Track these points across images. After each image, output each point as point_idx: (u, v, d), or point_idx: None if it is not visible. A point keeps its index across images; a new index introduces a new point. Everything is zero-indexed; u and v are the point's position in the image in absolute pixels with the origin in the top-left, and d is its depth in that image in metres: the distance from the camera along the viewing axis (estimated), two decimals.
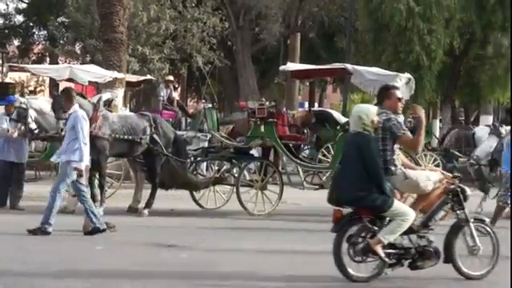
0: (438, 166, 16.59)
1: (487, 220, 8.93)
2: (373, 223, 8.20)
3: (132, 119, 13.93)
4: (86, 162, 11.17)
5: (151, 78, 21.99)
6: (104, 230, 11.17)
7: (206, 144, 17.19)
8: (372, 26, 25.90)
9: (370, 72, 14.49)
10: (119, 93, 17.69)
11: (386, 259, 8.19)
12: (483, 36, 26.74)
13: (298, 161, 14.64)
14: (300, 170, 14.65)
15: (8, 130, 13.92)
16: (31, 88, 36.67)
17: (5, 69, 23.66)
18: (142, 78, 21.24)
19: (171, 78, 21.95)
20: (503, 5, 25.11)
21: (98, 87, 17.81)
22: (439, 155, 19.51)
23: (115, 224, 11.56)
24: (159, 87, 21.01)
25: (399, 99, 8.85)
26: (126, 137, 13.45)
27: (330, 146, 14.91)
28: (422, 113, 8.69)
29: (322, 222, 13.49)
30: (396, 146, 8.60)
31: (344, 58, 23.37)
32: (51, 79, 26.93)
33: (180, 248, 10.28)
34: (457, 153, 19.08)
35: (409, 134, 8.72)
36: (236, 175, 14.48)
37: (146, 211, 13.60)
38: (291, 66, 16.37)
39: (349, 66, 15.00)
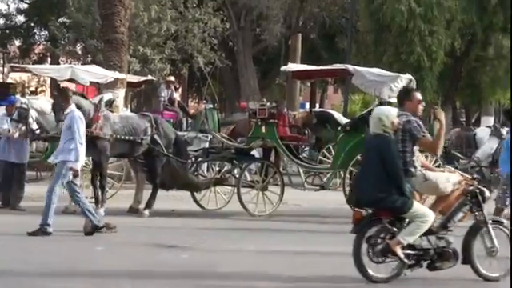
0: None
1: (506, 222, 8.97)
2: (392, 224, 8.28)
3: (133, 120, 13.93)
4: (82, 162, 11.17)
5: (152, 78, 21.99)
6: (103, 227, 11.18)
7: (206, 145, 17.19)
8: (373, 27, 25.92)
9: (371, 73, 14.47)
10: (120, 93, 17.68)
11: (406, 260, 8.26)
12: (484, 37, 26.76)
13: (299, 161, 14.64)
14: (301, 170, 14.64)
15: (9, 131, 13.92)
16: (32, 88, 36.64)
17: (6, 69, 23.65)
18: (143, 78, 21.24)
19: (172, 78, 21.96)
20: (504, 6, 25.12)
21: (100, 88, 17.80)
22: (440, 156, 19.48)
23: (116, 224, 11.57)
24: (160, 88, 21.02)
25: (420, 101, 8.96)
26: (127, 137, 13.45)
27: (330, 147, 14.91)
28: (442, 116, 8.80)
29: (323, 223, 13.58)
30: (415, 148, 8.69)
31: (345, 59, 23.38)
32: (52, 79, 26.91)
33: (181, 249, 10.28)
34: (458, 154, 19.06)
35: (428, 136, 8.84)
36: (237, 176, 14.48)
37: (146, 212, 13.60)
38: (292, 67, 16.35)
39: (350, 67, 14.98)
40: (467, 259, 8.47)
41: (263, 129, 14.32)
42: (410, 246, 8.28)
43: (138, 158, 14.12)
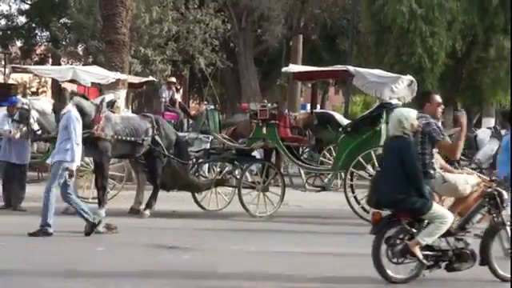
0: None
1: None
2: (411, 225, 8.35)
3: (134, 120, 13.94)
4: (78, 162, 11.17)
5: (153, 79, 22.00)
6: (99, 223, 11.20)
7: (207, 145, 17.19)
8: (374, 28, 25.90)
9: (372, 74, 14.46)
10: (121, 94, 17.68)
11: (424, 261, 8.33)
12: (485, 38, 26.73)
13: (300, 163, 14.64)
14: (302, 171, 14.65)
15: (10, 131, 13.93)
16: (33, 89, 36.68)
17: (8, 70, 23.66)
18: (144, 79, 21.24)
19: (173, 79, 21.96)
20: (505, 7, 25.10)
21: (101, 89, 17.82)
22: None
23: (117, 225, 11.58)
24: (161, 89, 21.03)
25: (439, 104, 9.11)
26: (128, 138, 13.46)
27: (331, 148, 14.91)
28: (464, 119, 8.96)
29: (324, 224, 13.59)
30: (434, 150, 8.79)
31: (346, 60, 23.40)
32: (53, 80, 26.94)
33: (182, 249, 10.29)
34: None
35: (448, 139, 8.96)
36: (238, 177, 14.48)
37: (147, 212, 13.61)
38: (293, 68, 16.36)
39: (351, 68, 14.98)
40: (485, 260, 8.52)
41: (264, 130, 14.32)
42: (429, 247, 8.37)
43: (139, 159, 14.13)
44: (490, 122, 29.57)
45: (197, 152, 15.83)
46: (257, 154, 15.93)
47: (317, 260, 9.75)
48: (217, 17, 28.67)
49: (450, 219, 8.33)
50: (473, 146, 18.73)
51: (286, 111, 16.98)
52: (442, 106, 9.26)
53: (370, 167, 13.70)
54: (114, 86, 17.31)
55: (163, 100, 20.21)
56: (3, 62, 39.00)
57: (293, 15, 32.95)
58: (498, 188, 8.70)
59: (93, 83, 17.01)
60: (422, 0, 24.65)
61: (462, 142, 8.96)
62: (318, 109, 35.49)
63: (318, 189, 14.79)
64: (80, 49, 32.61)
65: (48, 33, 37.11)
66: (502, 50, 27.15)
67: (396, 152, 8.30)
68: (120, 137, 13.37)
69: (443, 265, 8.50)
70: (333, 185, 14.66)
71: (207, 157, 15.34)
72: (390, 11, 24.46)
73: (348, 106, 27.40)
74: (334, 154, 14.60)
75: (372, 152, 13.62)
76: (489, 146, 14.98)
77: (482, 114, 33.83)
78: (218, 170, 15.15)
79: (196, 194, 14.52)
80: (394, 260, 8.28)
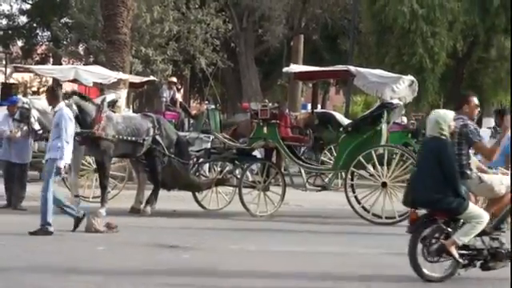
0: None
1: None
2: (447, 225, 8.43)
3: (136, 120, 13.95)
4: (68, 160, 11.13)
5: (154, 79, 21.98)
6: (84, 217, 11.21)
7: (208, 145, 17.20)
8: (375, 29, 25.94)
9: (373, 74, 14.46)
10: (122, 94, 17.67)
11: (460, 260, 8.40)
12: (486, 39, 26.76)
13: (301, 162, 14.64)
14: (302, 171, 14.66)
15: (11, 131, 13.93)
16: (34, 88, 36.70)
17: (9, 69, 23.69)
18: (145, 79, 21.22)
19: (174, 79, 21.98)
20: (506, 8, 25.12)
21: (102, 88, 17.82)
22: None
23: (117, 224, 11.58)
24: (162, 88, 21.04)
25: (477, 106, 9.34)
26: (129, 138, 13.47)
27: (332, 148, 14.91)
28: (508, 123, 9.24)
29: (325, 223, 13.59)
30: (471, 151, 8.96)
31: (347, 60, 23.41)
32: (54, 80, 26.97)
33: (182, 249, 10.28)
34: None
35: (484, 141, 9.21)
36: (238, 176, 14.48)
37: (148, 208, 13.63)
38: (294, 68, 16.35)
39: (352, 68, 14.98)
40: None
41: (265, 129, 14.32)
42: (465, 246, 8.45)
43: (140, 159, 14.14)
44: (491, 121, 29.48)
45: (197, 151, 15.83)
46: (257, 153, 15.93)
47: (317, 259, 9.75)
48: (218, 17, 28.69)
49: (485, 219, 8.41)
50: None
51: (287, 111, 17.00)
52: (479, 108, 9.43)
53: (370, 167, 13.71)
54: (115, 85, 17.30)
55: (164, 100, 20.22)
56: (4, 62, 39.03)
57: (294, 15, 32.98)
58: None
59: (94, 83, 17.02)
60: (423, 0, 24.69)
61: (500, 146, 9.19)
62: (319, 109, 35.46)
63: (319, 188, 14.78)
64: (81, 48, 32.64)
65: (49, 32, 37.16)
66: (502, 51, 27.18)
67: (434, 153, 8.39)
68: (121, 136, 13.38)
69: (478, 264, 8.58)
70: (333, 184, 14.66)
71: (208, 156, 15.34)
72: (391, 11, 24.50)
73: (349, 106, 27.43)
74: (335, 154, 14.58)
75: (373, 152, 13.62)
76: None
77: (482, 114, 33.77)
78: (219, 169, 15.15)
79: (197, 194, 14.52)
80: (430, 259, 8.37)
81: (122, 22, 18.65)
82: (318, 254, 10.12)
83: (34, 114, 13.92)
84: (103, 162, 13.36)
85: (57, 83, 17.17)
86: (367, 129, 13.92)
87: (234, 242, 10.95)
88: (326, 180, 14.95)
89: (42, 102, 14.82)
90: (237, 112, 28.08)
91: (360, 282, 8.46)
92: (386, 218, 13.34)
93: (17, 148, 14.02)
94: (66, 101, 12.28)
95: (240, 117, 21.58)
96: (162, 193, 14.10)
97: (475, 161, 9.17)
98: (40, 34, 39.39)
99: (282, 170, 15.05)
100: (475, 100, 9.34)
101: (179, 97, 21.45)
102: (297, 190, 14.79)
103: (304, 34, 33.85)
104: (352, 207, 13.63)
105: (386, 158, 13.85)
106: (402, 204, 9.15)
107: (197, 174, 14.88)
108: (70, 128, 11.15)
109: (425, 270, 8.39)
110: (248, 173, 14.86)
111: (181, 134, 15.88)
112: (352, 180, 14.07)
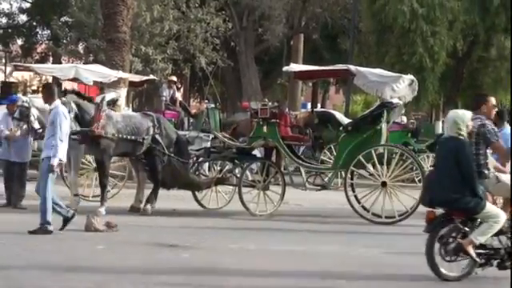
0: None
1: None
2: (464, 224, 8.45)
3: (136, 119, 13.95)
4: (64, 158, 11.10)
5: (154, 78, 21.99)
6: (73, 216, 11.18)
7: (208, 144, 17.19)
8: (375, 28, 25.93)
9: (373, 73, 14.46)
10: (122, 93, 17.68)
11: (477, 259, 8.42)
12: (486, 38, 26.75)
13: (301, 161, 14.64)
14: (302, 170, 14.66)
15: (11, 129, 13.93)
16: (34, 87, 36.72)
17: (9, 68, 23.70)
18: (145, 78, 21.23)
19: (174, 78, 21.98)
20: (506, 7, 25.11)
21: (102, 87, 17.82)
22: None
23: (117, 223, 11.58)
24: (162, 87, 21.04)
25: (495, 106, 9.47)
26: (129, 137, 13.47)
27: (332, 147, 14.90)
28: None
29: (324, 222, 13.59)
30: (488, 151, 9.04)
31: (347, 59, 23.42)
32: (54, 79, 26.97)
33: (182, 248, 10.28)
34: None
35: (501, 141, 9.21)
36: (238, 175, 14.48)
37: (148, 207, 13.63)
38: (294, 67, 16.35)
39: (352, 68, 14.98)
40: None
41: (265, 128, 14.31)
42: (482, 246, 8.47)
43: (140, 157, 14.14)
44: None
45: (197, 150, 15.84)
46: (257, 152, 15.94)
47: (317, 259, 9.74)
48: (218, 16, 28.68)
49: (502, 218, 8.43)
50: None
51: (287, 110, 16.99)
52: (496, 109, 9.48)
53: (370, 166, 13.71)
54: (115, 84, 17.31)
55: (164, 98, 20.21)
56: (4, 61, 39.05)
57: (294, 14, 32.97)
58: None
59: (94, 82, 17.02)
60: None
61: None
62: (319, 108, 35.47)
63: (319, 188, 14.78)
64: (81, 47, 32.62)
65: (49, 31, 37.16)
66: (502, 50, 27.18)
67: (452, 152, 8.41)
68: (121, 135, 13.38)
69: (495, 263, 8.59)
70: (333, 184, 14.66)
71: (208, 155, 15.34)
72: (391, 11, 24.49)
73: (349, 105, 27.45)
74: (335, 153, 14.57)
75: (372, 151, 13.62)
76: None
77: None
78: (219, 168, 15.15)
79: (196, 193, 14.53)
80: (447, 258, 8.39)
81: (122, 20, 18.63)
82: (317, 254, 10.12)
83: (34, 112, 13.91)
84: (103, 160, 13.36)
85: (56, 81, 17.17)
86: (367, 128, 13.92)
87: (233, 241, 10.95)
88: (326, 179, 14.95)
89: (41, 100, 14.82)
90: (237, 111, 28.08)
91: (360, 281, 8.47)
92: (386, 217, 13.34)
93: (16, 147, 14.02)
94: (63, 98, 12.28)
95: (240, 116, 21.57)
96: (162, 192, 14.11)
97: (492, 161, 9.18)
98: (40, 32, 39.40)
99: (282, 169, 15.05)
100: (493, 100, 9.45)
101: (179, 96, 21.45)
102: (296, 190, 14.79)
103: (304, 33, 33.85)
104: (352, 206, 13.63)
105: (385, 157, 13.85)
106: (420, 203, 9.12)
107: (196, 173, 14.89)
108: (65, 126, 11.08)
109: (442, 270, 8.41)
110: (248, 172, 14.86)
111: (180, 133, 15.89)
112: (352, 179, 14.07)
